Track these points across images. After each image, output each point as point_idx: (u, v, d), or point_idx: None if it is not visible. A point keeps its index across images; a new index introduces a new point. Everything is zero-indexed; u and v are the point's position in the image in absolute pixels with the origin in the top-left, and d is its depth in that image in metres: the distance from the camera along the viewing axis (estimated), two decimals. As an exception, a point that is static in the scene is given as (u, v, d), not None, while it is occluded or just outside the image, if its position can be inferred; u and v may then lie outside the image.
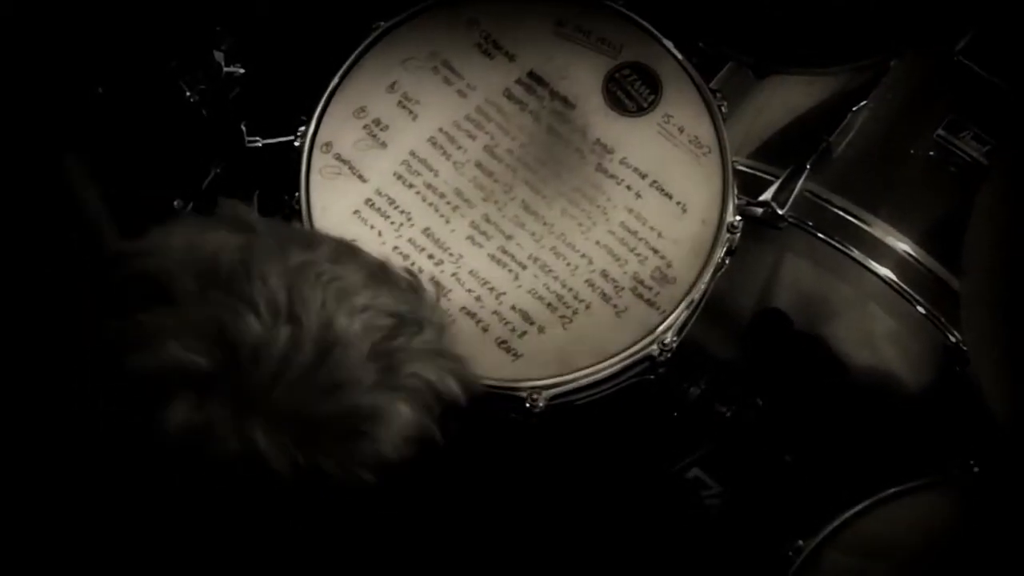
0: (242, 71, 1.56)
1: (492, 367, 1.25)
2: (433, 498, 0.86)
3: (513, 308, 1.30)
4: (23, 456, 0.89)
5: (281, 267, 0.79)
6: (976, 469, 1.32)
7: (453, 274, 1.31)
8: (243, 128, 1.55)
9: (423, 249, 1.31)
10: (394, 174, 1.35)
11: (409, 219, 1.33)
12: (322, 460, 0.76)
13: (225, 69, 1.55)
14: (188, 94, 1.56)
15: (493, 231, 1.33)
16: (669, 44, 1.42)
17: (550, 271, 1.32)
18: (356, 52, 1.39)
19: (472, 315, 1.29)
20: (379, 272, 0.87)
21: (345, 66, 1.39)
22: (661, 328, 1.28)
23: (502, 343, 1.28)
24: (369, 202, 1.33)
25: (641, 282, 1.31)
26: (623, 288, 1.31)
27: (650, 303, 1.30)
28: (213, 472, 0.75)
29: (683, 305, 1.29)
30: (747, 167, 1.51)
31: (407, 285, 0.88)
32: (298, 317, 0.77)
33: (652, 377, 1.32)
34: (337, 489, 0.77)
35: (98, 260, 0.83)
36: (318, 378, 0.77)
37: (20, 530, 0.85)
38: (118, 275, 0.80)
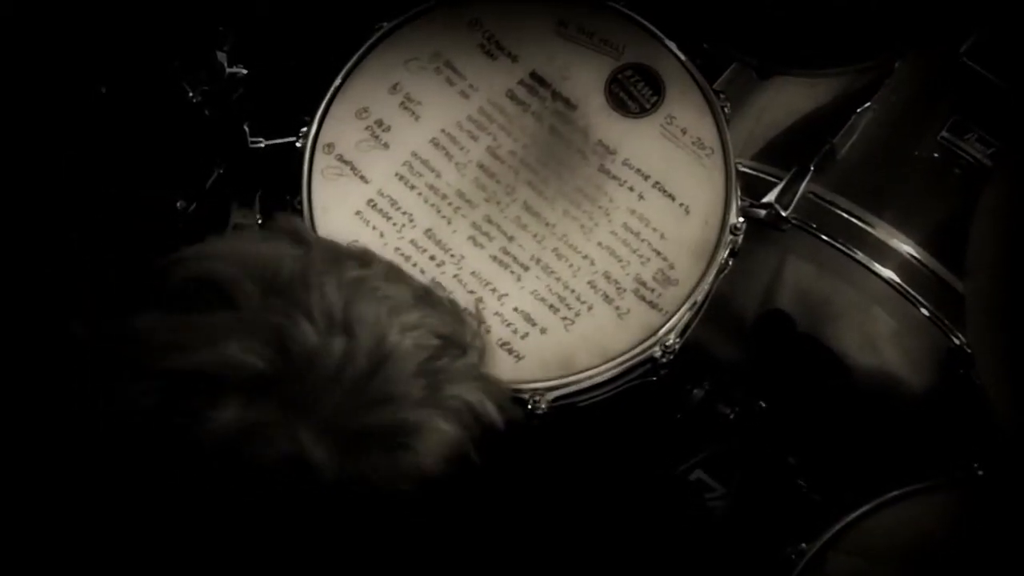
0: (245, 72, 1.56)
1: (494, 369, 1.24)
2: (461, 513, 0.87)
3: (515, 309, 1.29)
4: (44, 455, 0.89)
5: (338, 280, 0.81)
6: (980, 472, 1.32)
7: (455, 275, 1.30)
8: (246, 129, 1.55)
9: (425, 250, 1.31)
10: (396, 175, 1.35)
11: (411, 220, 1.33)
12: (365, 469, 0.77)
13: (228, 70, 1.55)
14: (191, 95, 1.56)
15: (495, 232, 1.33)
16: (672, 45, 1.42)
17: (552, 272, 1.31)
18: (358, 53, 1.39)
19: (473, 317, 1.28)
20: (424, 294, 0.87)
21: (347, 67, 1.38)
22: (663, 330, 1.28)
23: (504, 344, 1.28)
24: (371, 203, 1.33)
25: (643, 283, 1.31)
26: (625, 290, 1.30)
27: (652, 305, 1.30)
28: (258, 473, 0.76)
29: (685, 307, 1.29)
30: (750, 168, 1.51)
31: (450, 309, 0.89)
32: (353, 329, 0.78)
33: (654, 379, 1.32)
34: (377, 499, 0.78)
35: (157, 262, 0.85)
36: (368, 390, 0.78)
37: (49, 523, 0.86)
38: (178, 276, 0.81)
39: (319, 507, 0.77)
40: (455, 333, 0.86)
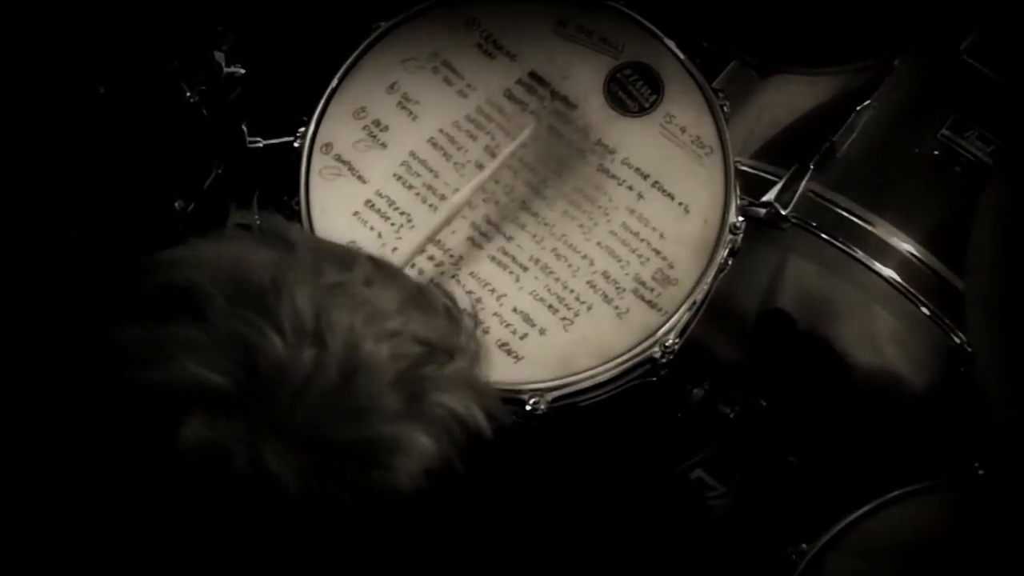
0: (243, 71, 1.55)
1: (493, 370, 1.24)
2: (443, 523, 0.85)
3: (514, 310, 1.29)
4: (24, 459, 0.88)
5: (312, 287, 0.78)
6: (980, 471, 1.31)
7: (453, 276, 1.30)
8: (244, 128, 1.55)
9: (423, 251, 1.31)
10: (394, 175, 1.34)
11: (409, 220, 1.32)
12: (336, 487, 0.76)
13: (226, 69, 1.55)
14: (188, 94, 1.55)
15: (493, 232, 1.32)
16: (671, 44, 1.41)
17: (551, 272, 1.31)
18: (356, 52, 1.39)
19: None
20: (415, 296, 0.85)
21: (345, 66, 1.38)
22: (663, 330, 1.27)
23: (503, 345, 1.27)
24: (369, 203, 1.33)
25: (643, 283, 1.30)
26: (625, 289, 1.30)
27: (652, 304, 1.29)
28: (223, 491, 0.74)
29: (685, 306, 1.28)
30: (750, 167, 1.50)
31: (444, 311, 0.87)
32: (324, 340, 0.76)
33: (654, 379, 1.31)
34: (347, 515, 0.77)
35: (128, 267, 0.83)
36: (339, 403, 0.76)
37: (21, 535, 0.85)
38: (148, 283, 0.80)
39: (286, 524, 0.75)
40: (444, 338, 0.83)
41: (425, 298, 0.86)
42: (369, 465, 0.76)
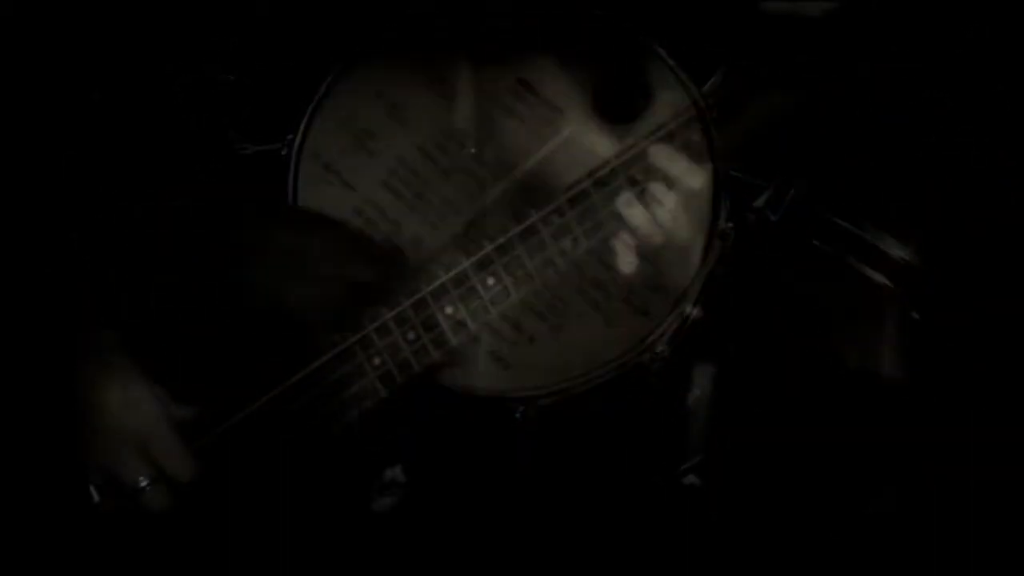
0: (232, 78, 1.55)
1: (482, 377, 1.24)
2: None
3: (503, 317, 1.29)
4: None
5: None
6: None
7: (441, 283, 1.30)
8: (233, 135, 1.55)
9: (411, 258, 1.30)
10: (382, 182, 1.34)
11: (398, 228, 1.32)
12: None
13: (216, 77, 1.55)
14: (179, 101, 1.55)
15: (482, 239, 1.32)
16: (660, 50, 1.41)
17: (541, 279, 1.30)
18: (344, 60, 1.38)
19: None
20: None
21: (333, 74, 1.38)
22: (652, 337, 1.27)
23: (492, 352, 1.27)
24: (357, 211, 1.32)
25: (632, 291, 1.30)
26: (614, 296, 1.30)
27: (642, 311, 1.29)
28: None
29: (675, 314, 1.28)
30: (740, 174, 1.50)
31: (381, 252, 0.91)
32: None
33: (645, 386, 1.31)
34: None
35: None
36: None
37: None
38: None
39: None
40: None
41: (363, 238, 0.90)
42: None
